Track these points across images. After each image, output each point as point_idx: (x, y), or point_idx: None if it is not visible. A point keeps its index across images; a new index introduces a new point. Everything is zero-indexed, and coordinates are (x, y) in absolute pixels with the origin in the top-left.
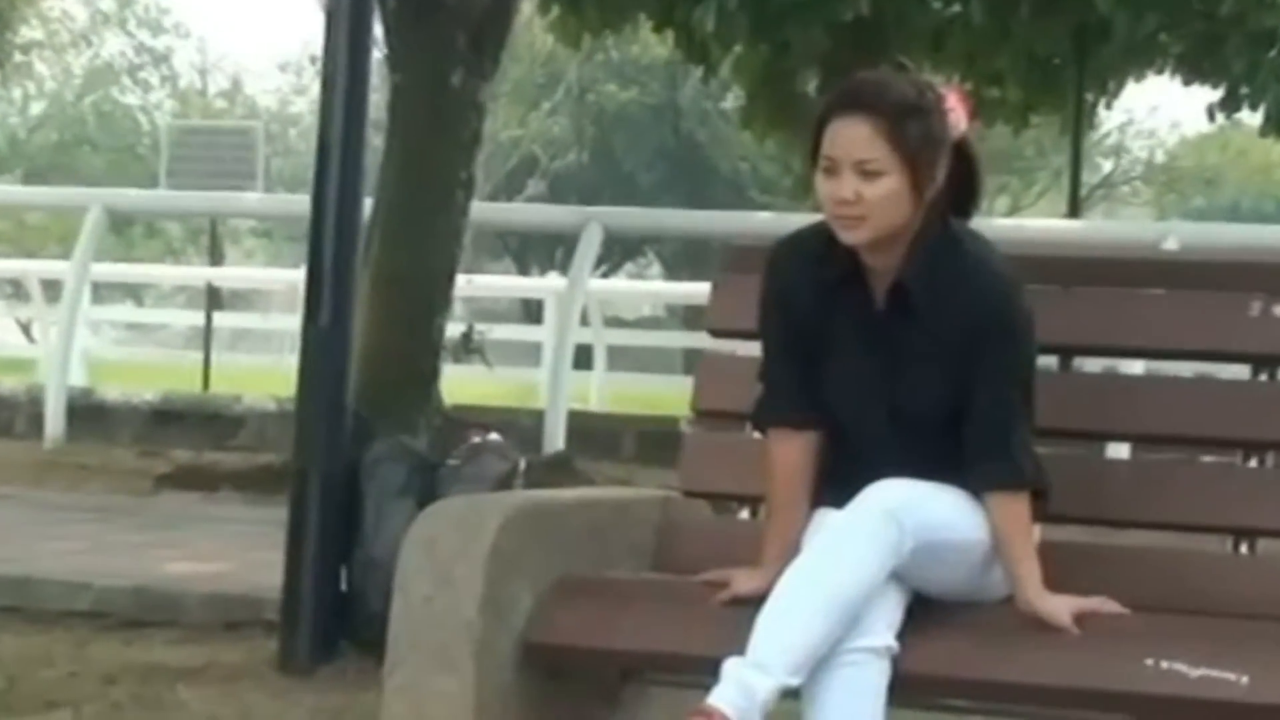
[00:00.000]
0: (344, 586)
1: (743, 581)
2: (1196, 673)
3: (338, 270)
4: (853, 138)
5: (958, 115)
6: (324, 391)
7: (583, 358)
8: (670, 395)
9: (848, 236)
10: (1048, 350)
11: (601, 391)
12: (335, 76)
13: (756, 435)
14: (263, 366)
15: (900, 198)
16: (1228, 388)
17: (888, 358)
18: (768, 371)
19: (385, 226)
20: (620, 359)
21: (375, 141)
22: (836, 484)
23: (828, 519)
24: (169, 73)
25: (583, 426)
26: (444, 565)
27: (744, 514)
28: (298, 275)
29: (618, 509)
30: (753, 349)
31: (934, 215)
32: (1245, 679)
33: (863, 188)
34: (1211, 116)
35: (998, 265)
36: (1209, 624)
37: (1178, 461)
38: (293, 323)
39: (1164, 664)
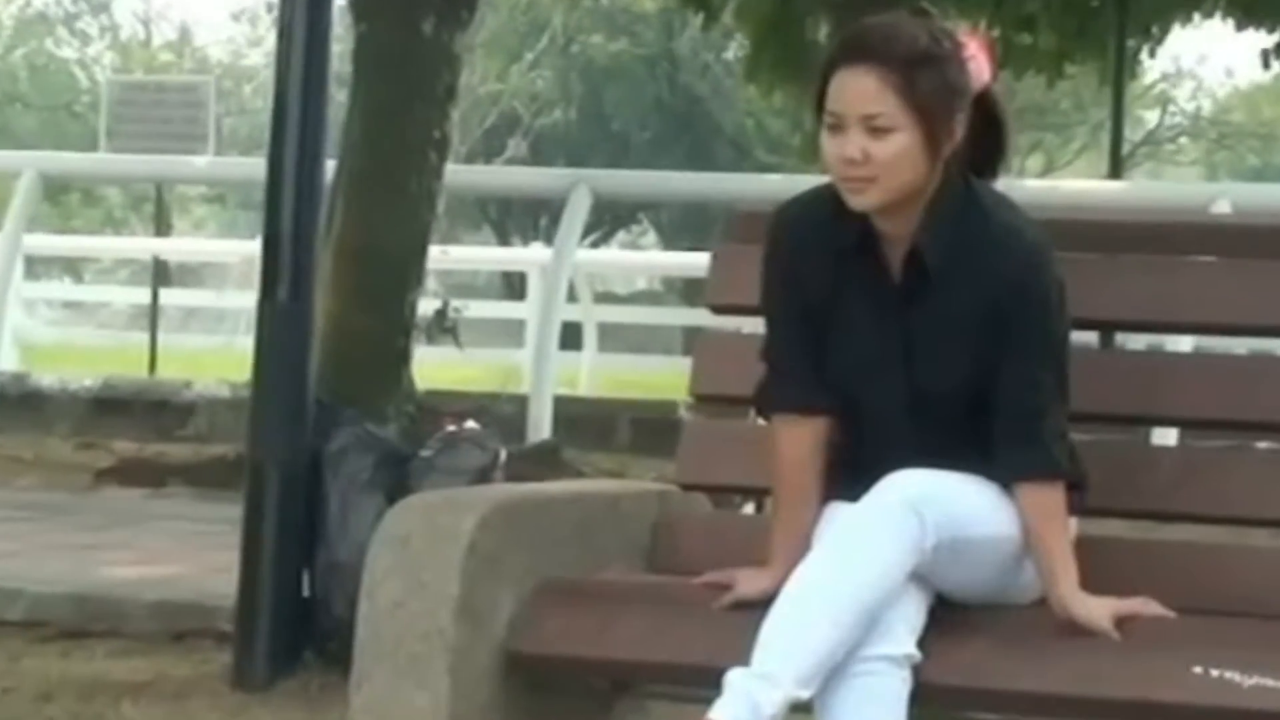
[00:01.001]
0: (305, 591)
1: (747, 583)
2: (1250, 682)
3: (297, 241)
4: (859, 91)
5: (979, 64)
6: (282, 375)
7: (571, 337)
8: (668, 378)
9: (856, 201)
10: (1086, 326)
11: (592, 374)
12: (292, 25)
13: (761, 422)
14: (215, 348)
15: (913, 156)
16: None
17: (905, 335)
18: (771, 351)
19: (350, 192)
20: (612, 338)
21: (339, 98)
22: (850, 475)
23: (840, 513)
24: (109, 23)
25: (571, 413)
26: (416, 567)
27: (749, 508)
28: (253, 247)
29: (609, 504)
30: (757, 326)
31: (953, 176)
32: None
33: (871, 146)
34: (1266, 63)
35: (1026, 230)
36: (1263, 627)
37: (1229, 448)
38: (248, 300)
39: (1214, 672)
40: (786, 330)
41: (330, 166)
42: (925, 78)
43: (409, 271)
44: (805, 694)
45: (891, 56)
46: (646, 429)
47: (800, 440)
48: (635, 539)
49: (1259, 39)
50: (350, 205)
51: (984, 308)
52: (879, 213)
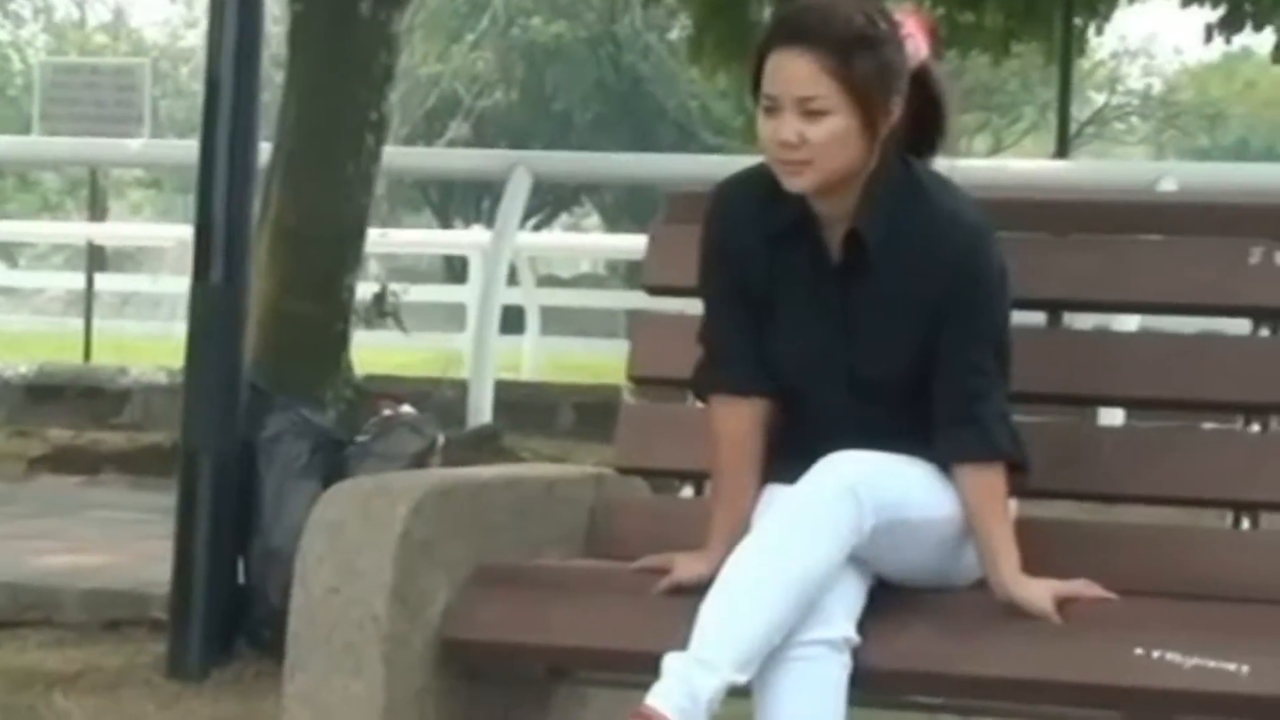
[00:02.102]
0: (240, 580)
1: (685, 567)
2: (1191, 663)
3: (230, 222)
4: (794, 73)
5: (916, 43)
6: (216, 360)
7: (514, 321)
8: (612, 361)
9: (791, 183)
10: (1033, 305)
11: (534, 358)
12: (224, 5)
13: (699, 404)
14: (152, 334)
15: (849, 139)
16: (1230, 345)
17: (844, 317)
18: (708, 332)
19: (286, 174)
20: (555, 322)
21: (276, 79)
22: (789, 457)
23: (778, 496)
24: (43, 4)
25: (513, 397)
26: (349, 554)
27: (687, 492)
28: (190, 231)
29: (545, 488)
30: (697, 308)
31: (891, 156)
32: (1245, 669)
33: (806, 129)
34: (1209, 37)
35: (965, 211)
36: (1205, 609)
37: (1176, 428)
38: (184, 285)
39: (1155, 653)
40: (723, 311)
41: (265, 149)
42: (861, 60)
43: (346, 254)
44: (743, 678)
45: (827, 38)
46: (589, 413)
47: (737, 422)
48: (572, 524)
49: (1204, 15)
50: (286, 188)
51: (924, 290)
52: (816, 194)
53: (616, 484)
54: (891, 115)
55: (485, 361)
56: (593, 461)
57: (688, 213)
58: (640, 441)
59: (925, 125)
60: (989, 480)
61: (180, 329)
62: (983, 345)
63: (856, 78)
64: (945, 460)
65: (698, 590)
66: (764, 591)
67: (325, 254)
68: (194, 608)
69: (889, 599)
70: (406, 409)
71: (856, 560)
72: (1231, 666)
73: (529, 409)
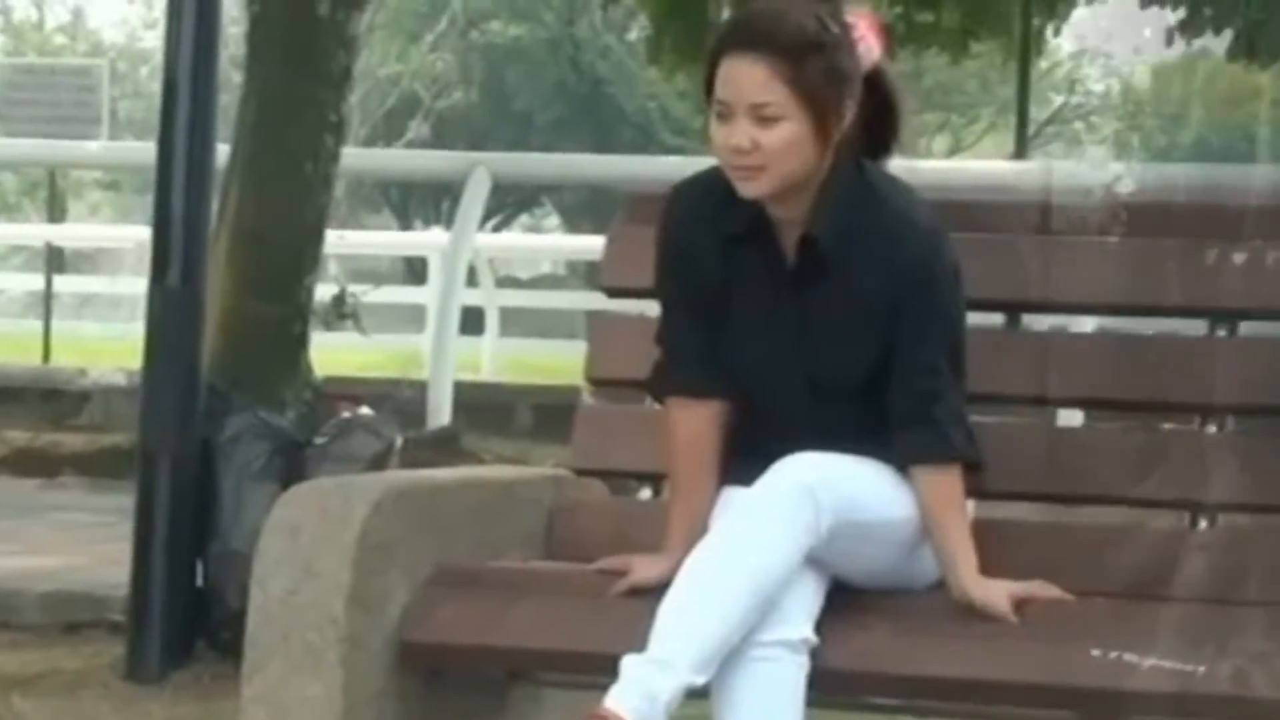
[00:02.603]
0: (199, 582)
1: (643, 569)
2: (1148, 663)
3: (188, 224)
4: (746, 80)
5: (868, 44)
6: (173, 361)
7: (473, 322)
8: (571, 362)
9: (746, 189)
10: (990, 306)
11: (494, 359)
12: (182, 3)
13: (656, 406)
14: (111, 335)
15: (802, 144)
16: (1188, 346)
17: (800, 319)
18: (665, 334)
19: (244, 175)
20: (515, 323)
21: (235, 80)
22: (746, 459)
23: (736, 497)
24: (0, 5)
25: (472, 398)
26: (307, 555)
27: (645, 493)
28: (148, 232)
29: (504, 490)
30: (655, 309)
31: (845, 159)
32: (1200, 669)
33: (760, 134)
34: (1170, 41)
35: (918, 213)
36: (1163, 609)
37: (1132, 429)
38: (143, 286)
39: (1111, 654)
40: (679, 314)
41: (224, 150)
42: (813, 66)
43: (305, 255)
44: (701, 680)
45: (779, 45)
46: (549, 414)
47: (694, 424)
48: (530, 525)
49: (1166, 16)
50: (245, 188)
51: (878, 292)
52: (770, 199)
53: (575, 486)
54: (844, 119)
55: (444, 362)
56: (552, 462)
57: (646, 214)
58: (598, 443)
59: (879, 128)
60: (946, 481)
61: (139, 329)
62: (937, 347)
63: (808, 84)
64: (902, 461)
65: (656, 592)
66: (722, 592)
67: (284, 255)
68: (152, 610)
69: (847, 600)
70: (365, 411)
71: (814, 561)
72: (1188, 667)
73: (488, 410)
